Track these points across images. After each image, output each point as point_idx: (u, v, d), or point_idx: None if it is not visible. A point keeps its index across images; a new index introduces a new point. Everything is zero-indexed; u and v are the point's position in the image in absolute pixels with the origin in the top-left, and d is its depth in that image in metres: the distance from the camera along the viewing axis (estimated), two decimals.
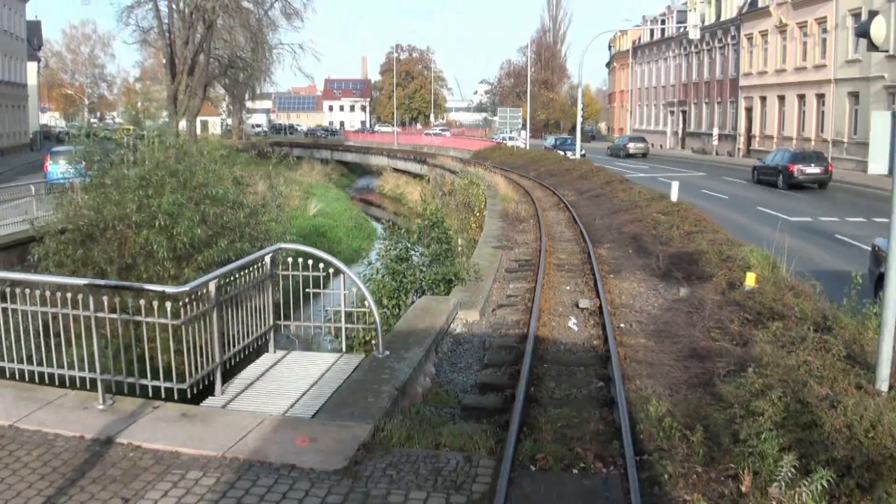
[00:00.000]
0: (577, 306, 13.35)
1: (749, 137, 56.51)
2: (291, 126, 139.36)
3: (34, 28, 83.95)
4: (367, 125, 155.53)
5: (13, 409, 7.96)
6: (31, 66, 78.29)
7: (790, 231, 19.34)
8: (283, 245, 10.09)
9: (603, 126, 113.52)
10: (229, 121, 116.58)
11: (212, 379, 8.53)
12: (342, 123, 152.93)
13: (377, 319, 9.43)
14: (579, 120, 54.01)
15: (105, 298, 7.87)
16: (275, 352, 9.92)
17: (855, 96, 44.76)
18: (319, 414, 7.93)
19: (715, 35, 61.96)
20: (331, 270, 9.70)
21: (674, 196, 23.04)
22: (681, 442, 7.14)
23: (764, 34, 54.63)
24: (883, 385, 7.30)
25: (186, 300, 7.83)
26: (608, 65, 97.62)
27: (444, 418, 8.58)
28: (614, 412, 8.38)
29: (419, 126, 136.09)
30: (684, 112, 68.82)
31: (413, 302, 12.99)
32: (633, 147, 58.82)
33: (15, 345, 8.54)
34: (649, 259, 16.58)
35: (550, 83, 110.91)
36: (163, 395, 8.21)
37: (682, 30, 58.50)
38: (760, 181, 38.30)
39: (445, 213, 19.79)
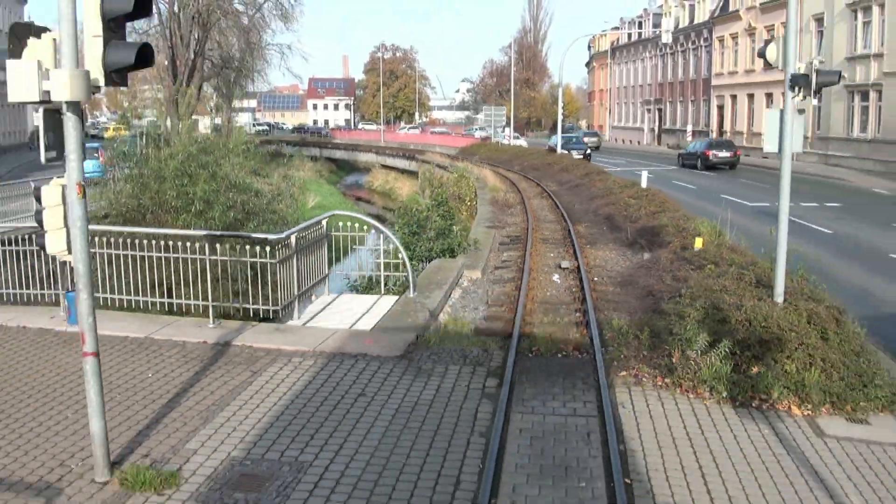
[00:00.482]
0: (560, 267, 16.43)
1: (721, 133, 59.91)
2: (277, 124, 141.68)
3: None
4: (352, 123, 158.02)
5: (145, 328, 10.94)
6: None
7: (748, 214, 22.51)
8: (336, 212, 13.13)
9: (583, 124, 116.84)
10: (217, 120, 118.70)
11: (291, 307, 11.55)
12: (326, 122, 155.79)
13: (409, 268, 12.49)
14: (560, 118, 57.08)
15: (218, 245, 10.89)
16: (328, 294, 12.95)
17: (818, 95, 48.08)
18: (375, 329, 10.97)
19: (689, 37, 65.35)
20: (365, 233, 12.76)
21: (643, 184, 26.25)
22: (633, 339, 10.25)
23: (734, 36, 58.04)
24: (778, 299, 10.41)
25: (279, 245, 10.86)
26: (588, 64, 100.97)
27: (463, 335, 11.64)
28: (588, 328, 11.45)
29: (403, 124, 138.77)
30: (660, 110, 72.20)
31: (423, 268, 16.00)
32: (588, 141, 59.85)
33: (141, 283, 11.52)
34: (620, 233, 19.72)
35: (532, 82, 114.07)
36: (258, 318, 11.25)
37: (657, 32, 61.74)
38: (685, 165, 46.80)
39: (425, 216, 22.41)
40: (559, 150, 49.41)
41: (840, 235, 22.43)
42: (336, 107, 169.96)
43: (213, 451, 7.07)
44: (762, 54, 10.99)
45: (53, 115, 6.02)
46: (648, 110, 74.70)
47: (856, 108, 44.34)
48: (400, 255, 12.67)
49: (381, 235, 12.98)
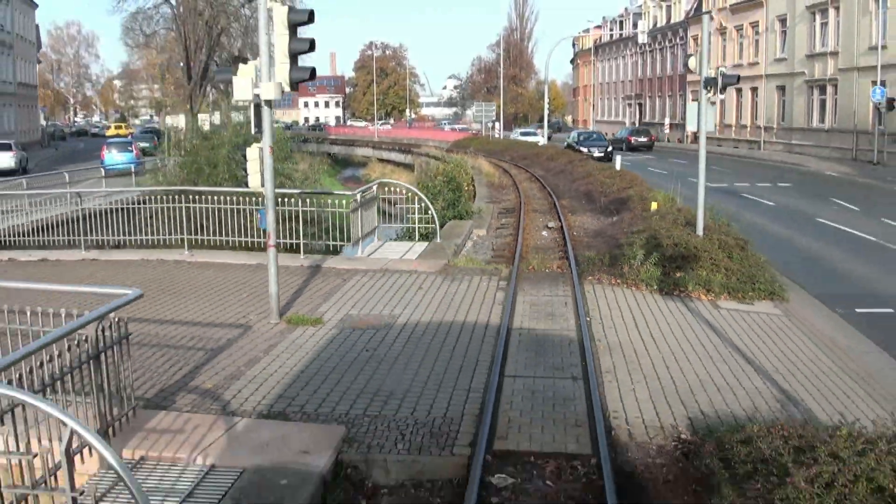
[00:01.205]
0: (547, 227, 21.16)
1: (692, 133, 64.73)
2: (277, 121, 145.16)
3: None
4: (342, 120, 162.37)
5: (256, 259, 15.54)
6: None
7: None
8: (383, 180, 17.80)
9: (569, 118, 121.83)
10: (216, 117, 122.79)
11: (357, 245, 16.20)
12: (317, 119, 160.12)
13: (436, 219, 17.16)
14: (546, 113, 61.84)
15: (308, 200, 15.55)
16: (378, 240, 17.62)
17: (782, 89, 53.12)
18: (417, 258, 15.63)
19: (665, 36, 70.25)
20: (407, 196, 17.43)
21: (617, 166, 31.05)
22: (598, 262, 14.97)
23: (709, 34, 62.82)
24: (699, 232, 15.10)
25: (353, 200, 15.53)
26: (572, 61, 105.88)
27: (477, 263, 16.32)
28: (567, 259, 16.15)
29: (392, 120, 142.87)
30: (640, 104, 77.09)
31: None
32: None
33: (248, 230, 16.14)
34: (595, 204, 24.48)
35: (519, 79, 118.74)
36: (331, 254, 15.90)
37: (637, 31, 66.59)
38: (615, 148, 54.56)
39: (438, 190, 26.58)
40: (580, 148, 49.62)
41: (781, 206, 27.26)
42: (327, 104, 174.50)
43: (337, 311, 11.72)
44: (685, 64, 15.68)
45: (258, 107, 10.63)
46: (629, 105, 79.60)
47: (815, 101, 49.27)
48: (430, 212, 17.34)
49: (416, 197, 17.64)
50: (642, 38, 52.50)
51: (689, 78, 65.39)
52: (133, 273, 14.65)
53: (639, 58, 76.87)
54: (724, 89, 15.39)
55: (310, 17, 10.55)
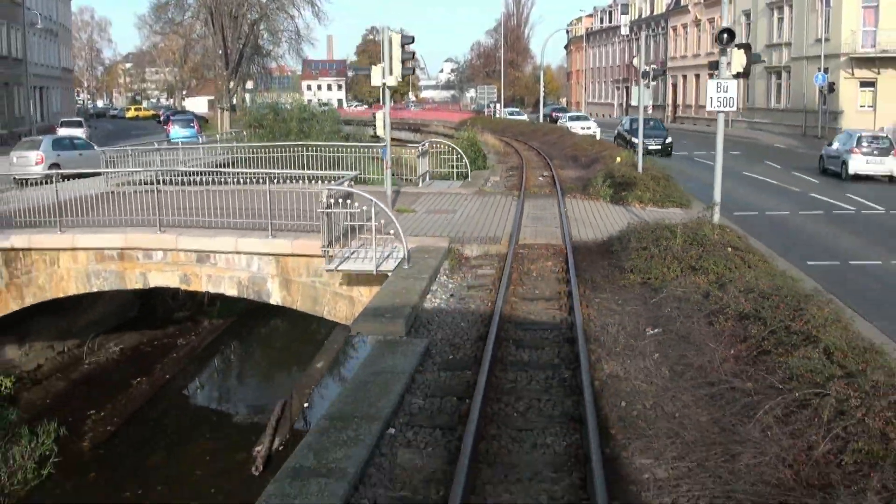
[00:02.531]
0: (542, 175, 30.24)
1: (675, 107, 73.87)
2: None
3: None
4: (343, 103, 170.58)
5: (363, 189, 24.54)
6: None
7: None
8: (433, 139, 26.85)
9: (563, 101, 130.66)
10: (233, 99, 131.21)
11: (420, 180, 25.21)
12: (318, 100, 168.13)
13: (468, 166, 26.24)
14: (542, 96, 70.69)
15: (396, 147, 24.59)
16: (428, 180, 26.61)
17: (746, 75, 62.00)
18: (459, 187, 24.69)
19: (649, 25, 79.10)
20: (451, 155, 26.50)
21: (597, 136, 40.18)
22: (576, 189, 24.07)
23: (685, 26, 71.90)
24: (639, 170, 24.13)
25: (417, 150, 24.58)
26: (566, 47, 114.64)
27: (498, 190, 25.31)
28: (555, 187, 25.20)
29: (394, 103, 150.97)
30: (627, 88, 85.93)
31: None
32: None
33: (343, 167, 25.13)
34: (578, 162, 33.58)
35: (516, 63, 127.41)
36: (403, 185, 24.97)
37: (625, 19, 75.34)
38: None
39: (464, 149, 35.61)
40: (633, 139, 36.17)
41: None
42: (329, 87, 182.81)
43: (421, 207, 20.74)
44: (630, 62, 24.81)
45: (384, 89, 19.59)
46: (617, 88, 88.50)
47: (772, 85, 58.32)
48: (463, 160, 26.36)
49: (454, 151, 26.66)
50: (625, 31, 61.21)
51: (671, 64, 74.42)
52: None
53: (626, 45, 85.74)
54: (655, 79, 24.37)
55: (412, 40, 19.53)
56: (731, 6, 59.89)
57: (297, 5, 69.69)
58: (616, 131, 46.90)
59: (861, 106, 49.83)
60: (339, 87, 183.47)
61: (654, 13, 78.64)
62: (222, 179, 18.49)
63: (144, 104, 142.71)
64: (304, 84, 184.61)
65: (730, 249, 13.30)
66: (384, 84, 19.38)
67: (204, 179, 17.85)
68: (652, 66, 25.01)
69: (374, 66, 19.42)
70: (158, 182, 17.87)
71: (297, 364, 23.80)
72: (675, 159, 39.04)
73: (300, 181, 18.60)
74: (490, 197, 22.92)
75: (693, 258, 13.00)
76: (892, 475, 5.91)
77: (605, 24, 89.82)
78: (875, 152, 31.35)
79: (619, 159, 28.93)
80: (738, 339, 9.49)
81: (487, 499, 6.54)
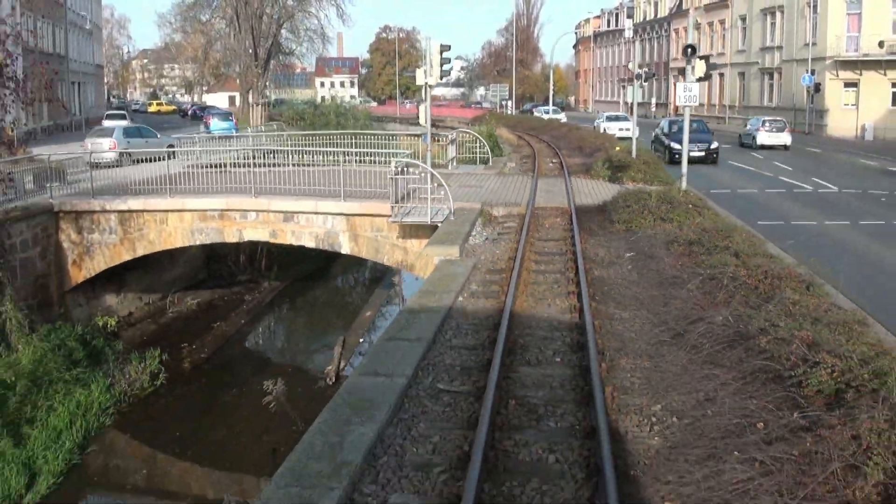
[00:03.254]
0: (552, 162, 35.17)
1: (676, 106, 78.55)
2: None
3: None
4: (356, 100, 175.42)
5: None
6: None
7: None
8: (461, 129, 31.84)
9: (572, 99, 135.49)
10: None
11: (450, 163, 30.18)
12: (332, 98, 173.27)
13: (489, 153, 31.22)
14: (551, 94, 75.50)
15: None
16: (455, 164, 31.54)
17: (742, 75, 66.90)
18: (482, 170, 29.64)
19: (653, 28, 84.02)
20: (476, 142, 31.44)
21: (601, 130, 45.07)
22: (579, 171, 28.98)
23: (686, 29, 76.55)
24: (633, 155, 29.02)
25: (447, 139, 29.55)
26: (574, 47, 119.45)
27: (515, 172, 30.22)
28: (563, 170, 30.14)
29: (406, 100, 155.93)
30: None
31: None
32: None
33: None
34: (584, 152, 38.49)
35: (526, 62, 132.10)
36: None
37: (629, 23, 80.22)
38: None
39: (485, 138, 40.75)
40: (671, 144, 37.76)
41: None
42: (342, 84, 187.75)
43: (454, 183, 25.66)
44: (626, 63, 29.75)
45: (426, 87, 24.53)
46: (623, 86, 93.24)
47: (765, 84, 63.12)
48: (485, 147, 31.30)
49: (476, 140, 31.57)
50: (628, 34, 65.98)
51: (673, 64, 79.20)
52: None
53: (630, 46, 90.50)
54: (647, 80, 29.28)
55: (449, 48, 24.48)
56: (728, 11, 64.80)
57: (322, 7, 74.68)
58: (653, 134, 42.11)
59: (845, 104, 54.61)
60: (352, 83, 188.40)
61: (658, 16, 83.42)
62: (293, 161, 23.46)
63: (162, 100, 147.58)
64: (318, 80, 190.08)
65: (690, 206, 18.23)
66: (426, 83, 24.29)
67: (278, 161, 22.81)
68: (644, 69, 29.83)
69: (417, 69, 24.32)
70: (253, 158, 22.82)
71: (347, 315, 28.81)
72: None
73: (362, 160, 23.55)
74: (509, 177, 27.86)
75: (663, 212, 17.93)
76: (756, 300, 10.78)
77: (612, 25, 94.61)
78: (774, 130, 46.80)
79: (618, 149, 33.82)
80: (685, 254, 14.40)
81: (526, 310, 11.54)
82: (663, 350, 9.99)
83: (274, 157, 23.88)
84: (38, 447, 16.69)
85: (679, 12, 77.44)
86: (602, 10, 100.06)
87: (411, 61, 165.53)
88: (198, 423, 20.00)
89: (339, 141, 30.93)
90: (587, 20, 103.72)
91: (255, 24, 70.74)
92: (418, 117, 26.15)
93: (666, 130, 40.08)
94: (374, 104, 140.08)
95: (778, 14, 60.62)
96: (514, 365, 9.69)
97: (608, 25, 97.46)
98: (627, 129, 45.14)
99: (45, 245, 22.98)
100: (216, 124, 54.39)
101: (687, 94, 21.61)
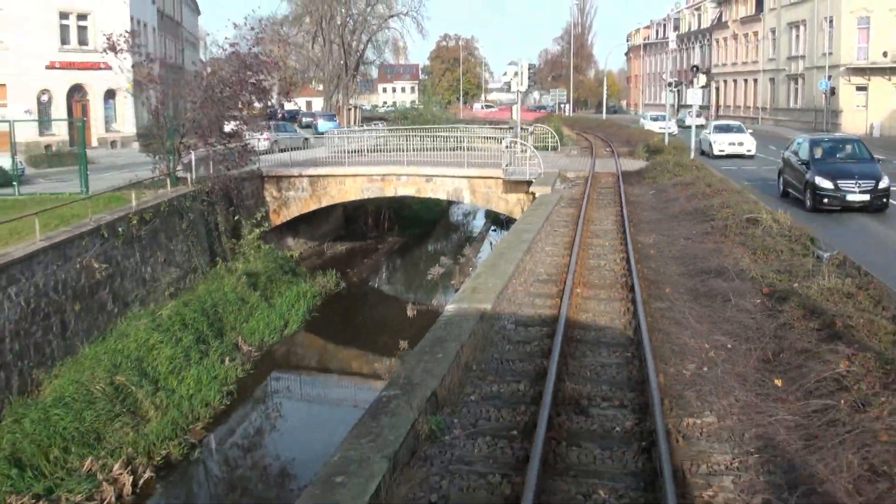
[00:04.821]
0: (605, 149, 46.26)
1: (717, 107, 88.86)
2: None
3: None
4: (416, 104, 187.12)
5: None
6: None
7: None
8: (535, 125, 43.13)
9: (623, 103, 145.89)
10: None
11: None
12: (395, 103, 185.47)
13: (558, 142, 42.44)
14: (605, 98, 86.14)
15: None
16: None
17: (772, 80, 77.04)
18: (554, 153, 40.83)
19: (696, 38, 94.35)
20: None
21: (645, 127, 56.02)
22: (625, 153, 40.05)
23: (725, 39, 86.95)
24: (667, 142, 39.93)
25: (526, 130, 40.82)
26: (626, 54, 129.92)
27: (578, 155, 41.34)
28: (614, 156, 41.18)
29: (467, 104, 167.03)
30: (679, 90, 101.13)
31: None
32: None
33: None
34: (629, 144, 49.52)
35: (580, 68, 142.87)
36: None
37: (676, 33, 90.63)
38: None
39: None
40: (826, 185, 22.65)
41: None
42: (403, 90, 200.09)
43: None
44: (680, 68, 40.77)
45: (518, 95, 35.72)
46: (670, 91, 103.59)
47: (791, 89, 73.23)
48: (555, 137, 42.48)
49: (548, 132, 42.72)
50: (673, 45, 76.43)
51: (715, 70, 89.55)
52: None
53: (677, 53, 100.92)
54: (677, 87, 40.22)
55: (534, 67, 35.63)
56: (761, 24, 75.36)
57: (405, 24, 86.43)
58: (782, 156, 27.52)
59: (857, 106, 64.49)
60: (413, 89, 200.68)
61: (701, 27, 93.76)
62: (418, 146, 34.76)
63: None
64: (381, 87, 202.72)
65: (694, 167, 29.18)
66: (518, 90, 35.42)
67: (406, 146, 34.10)
68: (675, 78, 40.64)
69: (512, 80, 35.41)
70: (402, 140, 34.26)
71: (456, 255, 40.13)
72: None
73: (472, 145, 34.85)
74: (574, 158, 38.98)
75: (676, 171, 28.91)
76: (709, 199, 21.85)
77: (660, 35, 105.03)
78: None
79: (657, 139, 44.67)
80: (681, 188, 25.40)
81: (591, 214, 22.70)
82: (662, 222, 21.09)
83: (407, 142, 35.17)
84: (284, 308, 27.74)
85: (720, 24, 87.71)
86: (651, 21, 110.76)
87: (469, 68, 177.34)
88: (356, 320, 31.30)
89: (446, 134, 42.10)
90: (637, 30, 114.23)
91: (346, 38, 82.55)
92: (479, 122, 37.45)
93: (805, 154, 24.33)
94: (436, 109, 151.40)
95: (802, 27, 70.64)
96: (588, 228, 20.85)
97: (656, 36, 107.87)
98: (742, 144, 40.35)
99: (257, 197, 34.48)
100: (323, 124, 66.13)
101: (693, 98, 32.47)
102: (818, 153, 24.38)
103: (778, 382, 9.05)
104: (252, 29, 34.19)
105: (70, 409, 16.52)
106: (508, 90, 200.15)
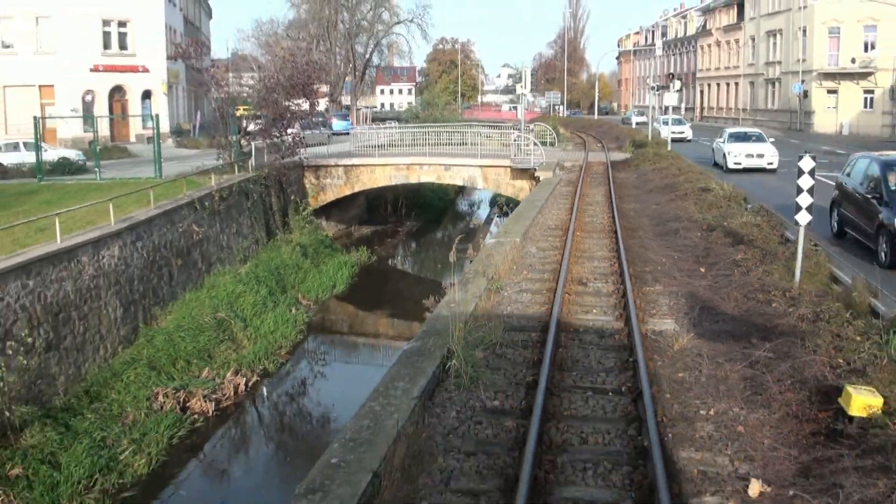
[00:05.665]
0: (597, 145, 52.36)
1: (702, 109, 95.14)
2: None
3: None
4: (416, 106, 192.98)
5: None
6: None
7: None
8: (537, 122, 49.22)
9: (615, 105, 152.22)
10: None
11: None
12: (392, 105, 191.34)
13: (556, 138, 48.53)
14: (597, 100, 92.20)
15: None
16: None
17: (752, 84, 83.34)
18: (551, 148, 46.92)
19: (682, 44, 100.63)
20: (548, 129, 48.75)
21: (633, 125, 62.16)
22: (613, 146, 46.17)
23: (710, 45, 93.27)
24: (650, 138, 46.02)
25: (528, 127, 46.88)
26: (617, 58, 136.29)
27: (573, 149, 47.45)
28: (605, 149, 47.29)
29: (469, 108, 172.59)
30: (679, 91, 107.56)
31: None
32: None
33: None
34: (619, 140, 55.66)
35: (573, 71, 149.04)
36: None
37: (664, 39, 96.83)
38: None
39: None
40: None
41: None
42: (400, 91, 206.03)
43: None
44: (665, 73, 46.90)
45: (521, 98, 41.83)
46: (657, 94, 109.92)
47: (769, 92, 79.55)
48: (553, 134, 48.51)
49: (547, 130, 48.76)
50: (659, 52, 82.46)
51: (699, 75, 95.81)
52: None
53: (665, 59, 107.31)
54: (659, 90, 46.35)
55: (535, 73, 41.67)
56: (742, 32, 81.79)
57: (411, 30, 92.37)
58: (836, 181, 19.55)
59: (827, 107, 70.78)
60: (410, 91, 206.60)
61: (687, 34, 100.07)
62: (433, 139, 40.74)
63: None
64: (378, 88, 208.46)
65: (670, 157, 35.28)
66: (522, 94, 41.38)
67: (430, 140, 40.05)
68: (661, 80, 46.72)
69: (517, 85, 41.47)
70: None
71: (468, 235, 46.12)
72: (686, 143, 60.77)
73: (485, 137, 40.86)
74: (570, 151, 45.01)
75: (655, 161, 35.01)
76: (676, 177, 27.95)
77: (649, 41, 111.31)
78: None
79: (640, 139, 50.71)
80: (662, 176, 31.49)
81: (586, 191, 28.78)
82: (640, 195, 27.16)
83: (427, 137, 41.02)
84: (330, 273, 33.61)
85: (703, 31, 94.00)
86: (640, 27, 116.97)
87: (465, 70, 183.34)
88: (388, 283, 37.25)
89: (458, 130, 48.03)
90: (628, 35, 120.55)
91: (352, 43, 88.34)
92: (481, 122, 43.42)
93: (875, 182, 16.74)
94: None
95: (778, 35, 76.90)
96: (584, 199, 26.86)
97: (645, 41, 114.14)
98: (762, 156, 34.15)
99: (299, 184, 40.33)
100: (337, 123, 71.84)
101: (670, 100, 38.51)
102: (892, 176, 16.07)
103: (702, 269, 15.10)
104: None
105: (188, 333, 22.31)
106: (504, 92, 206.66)
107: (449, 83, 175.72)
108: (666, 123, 49.71)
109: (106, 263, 21.07)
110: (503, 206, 45.32)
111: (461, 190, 56.75)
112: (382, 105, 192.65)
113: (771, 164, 34.00)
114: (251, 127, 36.07)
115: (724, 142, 36.40)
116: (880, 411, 7.60)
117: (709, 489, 7.05)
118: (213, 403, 19.89)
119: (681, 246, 17.21)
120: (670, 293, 13.89)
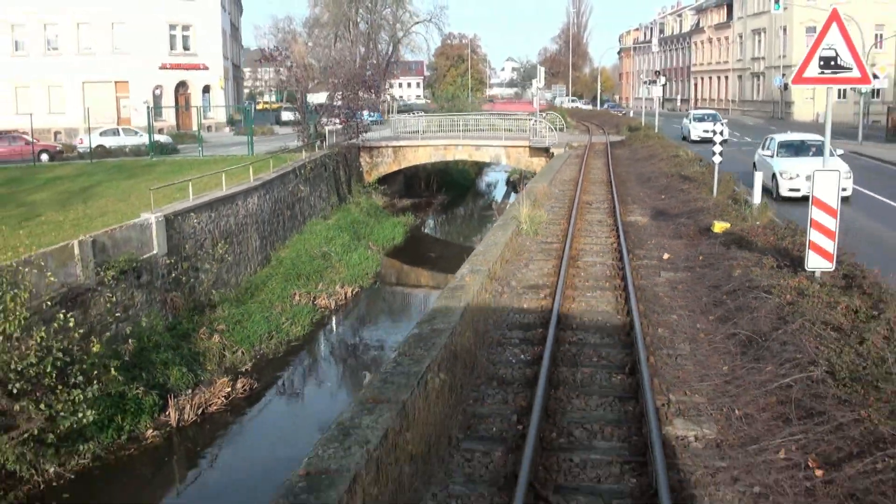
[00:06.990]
0: (598, 130, 62.00)
1: (696, 101, 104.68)
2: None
3: None
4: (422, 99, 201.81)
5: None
6: None
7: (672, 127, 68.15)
8: (549, 112, 58.93)
9: (616, 98, 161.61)
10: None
11: None
12: (401, 97, 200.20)
13: (564, 124, 58.18)
14: (599, 93, 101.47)
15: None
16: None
17: (739, 77, 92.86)
18: (560, 132, 56.61)
19: (678, 40, 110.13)
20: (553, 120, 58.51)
21: (631, 114, 71.72)
22: (612, 132, 55.84)
23: (703, 42, 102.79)
24: (642, 124, 55.64)
25: (542, 114, 56.61)
26: (619, 53, 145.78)
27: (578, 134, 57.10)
28: (605, 133, 56.91)
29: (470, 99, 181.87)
30: (664, 86, 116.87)
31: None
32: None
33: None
34: (617, 127, 65.30)
35: (576, 65, 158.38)
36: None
37: (661, 36, 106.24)
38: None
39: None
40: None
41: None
42: (409, 85, 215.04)
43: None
44: (661, 67, 56.54)
45: (535, 91, 51.37)
46: (646, 88, 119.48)
47: (755, 84, 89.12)
48: (561, 122, 58.10)
49: (556, 118, 58.36)
50: (655, 49, 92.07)
51: (694, 69, 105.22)
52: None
53: (662, 54, 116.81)
54: (653, 83, 55.96)
55: (549, 71, 51.22)
56: (731, 30, 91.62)
57: (429, 29, 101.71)
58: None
59: (805, 98, 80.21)
60: (418, 84, 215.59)
61: (682, 31, 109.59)
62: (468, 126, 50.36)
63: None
64: (387, 82, 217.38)
65: (658, 138, 44.92)
66: (537, 87, 50.80)
67: (458, 127, 49.62)
68: (650, 76, 56.31)
69: (532, 80, 50.92)
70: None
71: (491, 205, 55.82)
72: (676, 128, 70.36)
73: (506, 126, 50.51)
74: (576, 135, 54.62)
75: (645, 141, 44.65)
76: (660, 152, 37.62)
77: (648, 37, 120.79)
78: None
79: (631, 126, 60.27)
80: (647, 148, 41.12)
81: (589, 162, 38.50)
82: (631, 163, 36.86)
83: (456, 124, 50.47)
84: (389, 229, 43.10)
85: (697, 29, 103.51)
86: (640, 24, 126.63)
87: (473, 65, 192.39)
88: (433, 238, 46.79)
89: (485, 117, 57.50)
90: (628, 32, 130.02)
91: (374, 40, 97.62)
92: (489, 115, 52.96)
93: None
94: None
95: (762, 34, 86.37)
96: (588, 166, 36.48)
97: (644, 38, 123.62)
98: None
99: (356, 162, 49.86)
100: (368, 114, 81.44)
101: (655, 92, 48.08)
102: None
103: (662, 196, 24.90)
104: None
105: (305, 259, 31.91)
106: (509, 85, 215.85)
107: (456, 77, 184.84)
108: (700, 120, 50.52)
109: (250, 207, 30.67)
110: (517, 183, 54.83)
111: (480, 172, 66.50)
112: (392, 97, 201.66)
113: (844, 189, 20.94)
114: (325, 118, 45.65)
115: (771, 155, 27.07)
116: (728, 229, 17.34)
117: (648, 257, 16.75)
118: (333, 302, 29.49)
119: (652, 187, 26.98)
120: (641, 207, 23.56)
